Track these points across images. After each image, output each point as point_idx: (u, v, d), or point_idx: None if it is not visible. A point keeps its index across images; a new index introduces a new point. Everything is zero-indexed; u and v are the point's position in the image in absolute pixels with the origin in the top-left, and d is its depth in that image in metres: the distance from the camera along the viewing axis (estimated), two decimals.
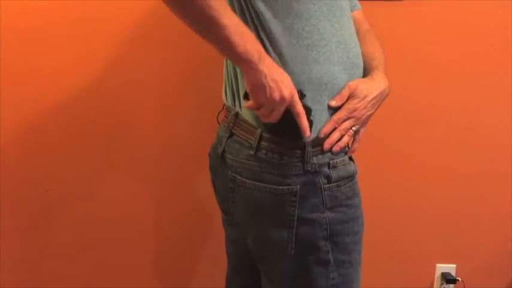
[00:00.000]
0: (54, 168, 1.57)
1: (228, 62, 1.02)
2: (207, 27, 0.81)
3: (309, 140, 0.91)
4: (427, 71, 1.56)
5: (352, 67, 0.96)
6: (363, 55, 1.01)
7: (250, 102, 0.87)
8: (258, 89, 0.84)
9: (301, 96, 0.89)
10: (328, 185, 0.93)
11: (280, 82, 0.84)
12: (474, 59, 1.56)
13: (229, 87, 1.03)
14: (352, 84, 0.96)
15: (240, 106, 0.98)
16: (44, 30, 1.48)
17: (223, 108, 1.10)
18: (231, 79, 1.00)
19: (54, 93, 1.52)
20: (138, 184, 1.60)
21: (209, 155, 1.12)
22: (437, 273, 1.71)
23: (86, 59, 1.50)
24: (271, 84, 0.83)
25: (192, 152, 1.57)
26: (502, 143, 1.61)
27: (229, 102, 1.03)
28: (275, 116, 0.87)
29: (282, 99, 0.84)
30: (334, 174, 0.94)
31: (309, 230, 0.93)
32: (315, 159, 0.92)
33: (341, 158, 0.96)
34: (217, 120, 1.12)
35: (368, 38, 1.08)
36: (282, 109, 0.86)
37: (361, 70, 1.00)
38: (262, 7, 0.89)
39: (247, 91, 0.86)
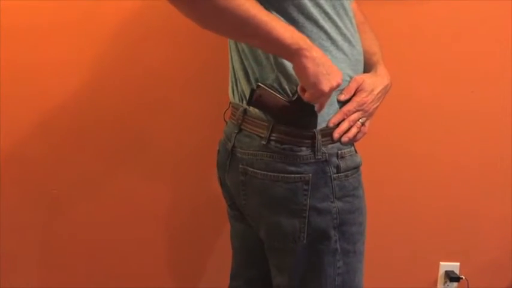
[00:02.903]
0: (59, 167, 1.56)
1: (233, 61, 1.02)
2: (252, 29, 0.82)
3: (318, 128, 0.94)
4: (428, 69, 1.56)
5: (356, 64, 1.00)
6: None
7: (306, 94, 0.89)
8: (318, 77, 0.85)
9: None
10: (337, 175, 0.96)
11: (334, 66, 0.87)
12: (474, 58, 1.56)
13: (235, 85, 1.04)
14: (359, 78, 0.99)
15: (248, 103, 0.98)
16: (45, 30, 1.47)
17: (229, 106, 1.10)
18: (238, 78, 1.01)
19: (57, 92, 1.51)
20: (143, 183, 1.59)
21: (218, 152, 1.12)
22: (441, 271, 1.71)
23: (89, 58, 1.49)
24: (330, 69, 0.86)
25: (200, 150, 1.56)
26: (504, 142, 1.62)
27: (237, 100, 1.04)
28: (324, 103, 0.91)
29: (338, 84, 0.88)
30: (342, 164, 0.96)
31: (321, 219, 0.95)
32: (324, 149, 0.94)
33: (348, 149, 0.99)
34: (224, 118, 1.12)
35: (363, 31, 1.09)
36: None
37: (362, 65, 1.03)
38: (274, 13, 0.90)
39: (305, 84, 0.87)
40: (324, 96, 0.87)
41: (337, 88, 0.88)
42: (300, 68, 0.85)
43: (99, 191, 1.59)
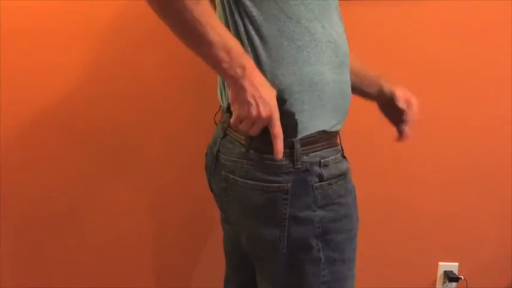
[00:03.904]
0: (57, 171, 1.57)
1: None
2: (194, 42, 0.85)
3: (298, 137, 0.93)
4: (426, 70, 1.56)
5: (339, 66, 0.97)
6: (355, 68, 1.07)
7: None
8: (237, 103, 0.87)
9: (282, 102, 0.90)
10: (319, 184, 0.94)
11: (258, 98, 0.86)
12: (474, 58, 1.55)
13: (223, 89, 1.03)
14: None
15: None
16: (45, 30, 1.49)
17: (219, 109, 1.10)
18: (224, 82, 1.01)
19: (55, 96, 1.52)
20: (138, 186, 1.60)
21: (206, 155, 1.12)
22: (440, 272, 1.71)
23: (85, 61, 1.51)
24: (250, 99, 0.85)
25: (191, 153, 1.56)
26: (503, 142, 1.61)
27: (225, 104, 1.04)
28: (255, 131, 0.89)
29: (259, 116, 0.86)
30: (325, 172, 0.94)
31: (301, 228, 0.94)
32: (305, 158, 0.93)
33: (333, 156, 0.97)
34: (215, 121, 1.13)
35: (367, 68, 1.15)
36: (260, 126, 0.88)
37: (348, 69, 1.01)
38: (254, 11, 0.90)
39: (229, 103, 0.89)
40: (238, 120, 0.88)
41: (262, 120, 0.87)
42: (230, 90, 0.88)
43: (95, 194, 1.60)
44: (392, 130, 1.57)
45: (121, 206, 1.61)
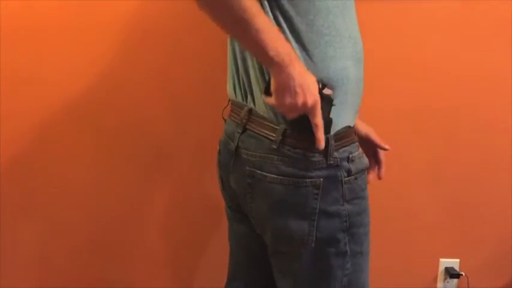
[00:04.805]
0: (61, 165, 1.56)
1: (236, 58, 1.01)
2: (241, 30, 0.84)
3: (332, 133, 0.93)
4: (425, 69, 1.57)
5: (358, 62, 0.99)
6: None
7: (271, 100, 0.89)
8: (284, 90, 0.86)
9: (323, 86, 0.90)
10: (347, 178, 0.95)
11: (306, 88, 0.85)
12: (475, 58, 1.56)
13: (238, 83, 1.02)
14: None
15: (254, 103, 0.98)
16: (45, 29, 1.47)
17: (228, 104, 1.09)
18: (241, 76, 1.00)
19: (57, 92, 1.51)
20: (144, 182, 1.59)
21: (219, 152, 1.11)
22: (441, 268, 1.71)
23: (90, 57, 1.49)
24: (298, 89, 0.85)
25: (196, 149, 1.56)
26: (504, 138, 1.62)
27: (239, 99, 1.03)
28: (291, 116, 0.89)
29: (304, 105, 0.86)
30: (353, 167, 0.96)
31: (330, 222, 0.95)
32: (336, 154, 0.94)
33: (357, 152, 0.99)
34: (223, 116, 1.11)
35: None
36: (300, 113, 0.88)
37: (363, 65, 1.02)
38: (286, 5, 0.90)
39: (273, 90, 0.87)
40: (283, 107, 0.88)
41: (306, 109, 0.87)
42: (274, 77, 0.86)
43: (97, 190, 1.58)
44: (391, 128, 1.59)
45: (126, 204, 1.60)
